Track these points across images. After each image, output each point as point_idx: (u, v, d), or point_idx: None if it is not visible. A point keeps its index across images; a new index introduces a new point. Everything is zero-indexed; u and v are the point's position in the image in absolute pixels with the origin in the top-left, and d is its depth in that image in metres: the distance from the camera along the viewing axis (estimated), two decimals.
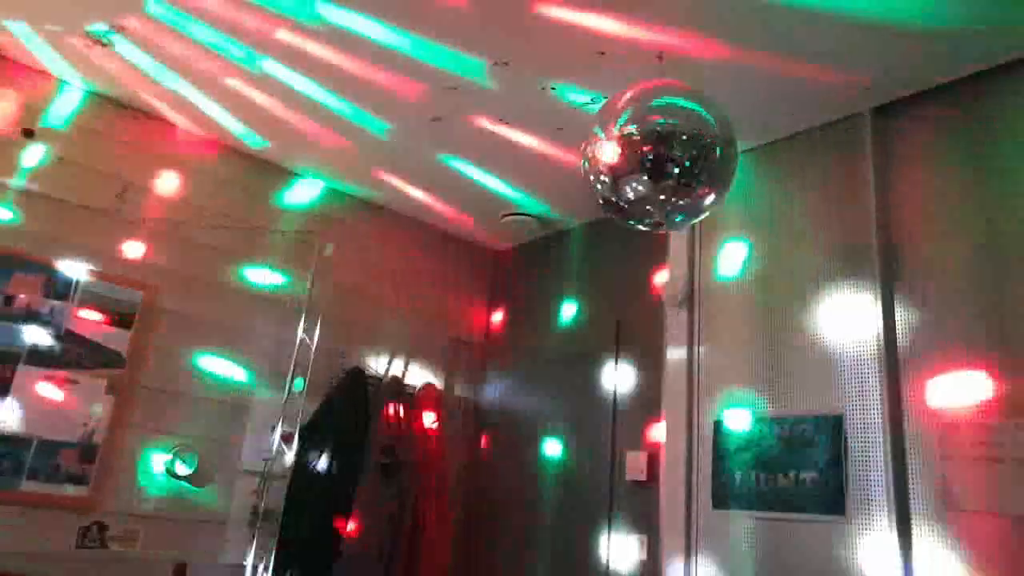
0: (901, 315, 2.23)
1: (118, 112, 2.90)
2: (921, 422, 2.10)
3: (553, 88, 2.53)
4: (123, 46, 2.52)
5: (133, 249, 2.84)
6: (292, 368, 3.10)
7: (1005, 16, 2.00)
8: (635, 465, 2.87)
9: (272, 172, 3.30)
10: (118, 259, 2.80)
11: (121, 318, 2.76)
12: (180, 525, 2.77)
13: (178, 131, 3.05)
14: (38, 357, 2.56)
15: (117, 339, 2.73)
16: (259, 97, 2.77)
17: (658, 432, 2.81)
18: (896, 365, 2.20)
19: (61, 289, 2.65)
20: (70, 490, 2.55)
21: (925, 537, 2.01)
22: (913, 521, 2.04)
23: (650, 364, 2.98)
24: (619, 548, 2.85)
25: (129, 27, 2.42)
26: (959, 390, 2.05)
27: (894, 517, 2.06)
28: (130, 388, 2.74)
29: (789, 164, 2.68)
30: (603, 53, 2.32)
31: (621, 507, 2.91)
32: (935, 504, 2.01)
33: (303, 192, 3.38)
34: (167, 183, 2.98)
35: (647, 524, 2.78)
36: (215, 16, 2.32)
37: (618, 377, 3.11)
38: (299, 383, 3.11)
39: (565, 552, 3.07)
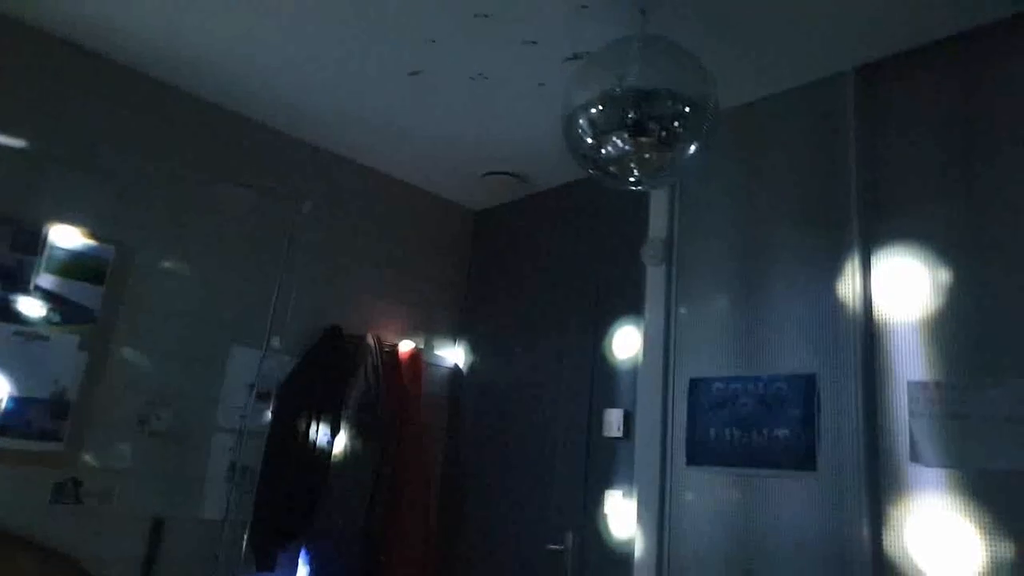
0: (878, 275, 2.26)
1: (85, 59, 2.80)
2: (892, 381, 2.14)
3: (534, 42, 2.49)
4: None
5: (104, 203, 2.78)
6: (269, 326, 3.08)
7: None
8: (612, 422, 2.91)
9: (249, 127, 3.22)
10: (88, 213, 2.73)
11: (93, 273, 2.71)
12: (157, 481, 2.77)
13: (149, 82, 2.96)
14: (6, 313, 2.51)
15: (89, 295, 2.69)
16: (235, 50, 2.69)
17: (634, 390, 2.84)
18: (871, 325, 2.23)
19: (28, 243, 2.58)
20: (43, 446, 2.53)
21: (893, 491, 2.06)
22: (881, 476, 2.09)
23: (630, 323, 3.00)
24: (595, 503, 2.90)
25: None
26: (929, 350, 2.09)
27: (863, 473, 2.11)
28: (103, 344, 2.70)
29: (770, 123, 2.67)
30: (585, 7, 2.28)
31: (598, 463, 2.95)
32: (903, 460, 2.06)
33: (280, 148, 3.31)
34: (139, 135, 2.90)
35: (623, 480, 2.82)
36: None
37: (596, 336, 3.13)
38: (276, 341, 3.09)
39: (544, 506, 3.11)
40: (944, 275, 2.12)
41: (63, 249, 2.65)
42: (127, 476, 2.70)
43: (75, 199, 2.71)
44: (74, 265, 2.67)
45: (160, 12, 2.51)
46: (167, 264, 2.91)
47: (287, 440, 3.02)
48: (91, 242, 2.72)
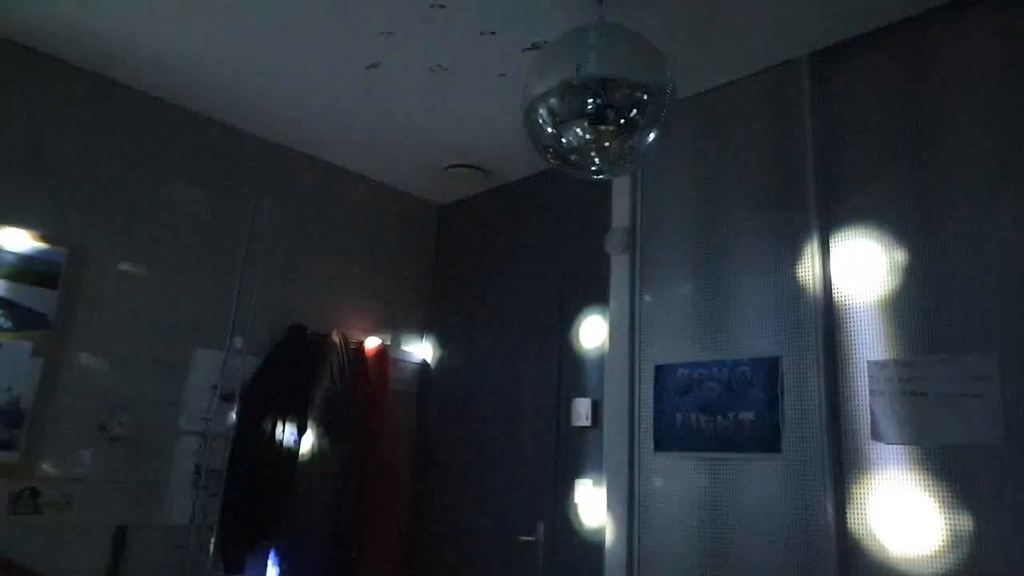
0: (837, 257, 2.29)
1: (31, 58, 2.72)
2: (852, 361, 2.18)
3: (493, 32, 2.47)
4: None
5: (55, 205, 2.70)
6: (231, 326, 3.03)
7: None
8: (580, 412, 2.92)
9: (205, 125, 3.16)
10: (38, 216, 2.65)
11: (45, 277, 2.63)
12: (119, 488, 2.71)
13: (98, 80, 2.88)
14: None
15: (41, 300, 2.61)
16: (182, 47, 2.63)
17: (602, 379, 2.85)
18: (832, 306, 2.26)
19: None
20: None
21: (855, 470, 2.10)
22: (844, 455, 2.13)
23: (596, 312, 3.01)
24: (564, 492, 2.91)
25: None
26: (887, 329, 2.13)
27: (827, 453, 2.14)
28: (58, 350, 2.62)
29: (728, 110, 2.69)
30: None
31: (567, 453, 2.96)
32: (865, 439, 2.10)
33: (237, 146, 3.25)
34: (91, 136, 2.82)
35: (592, 469, 2.83)
36: None
37: (563, 326, 3.13)
38: (238, 341, 3.04)
39: (514, 498, 3.11)
40: (899, 254, 2.16)
41: (12, 253, 2.57)
42: (87, 484, 2.63)
43: (24, 201, 2.63)
44: (25, 269, 2.59)
45: (107, 9, 2.44)
46: (123, 266, 2.84)
47: (253, 441, 2.98)
48: (42, 245, 2.64)
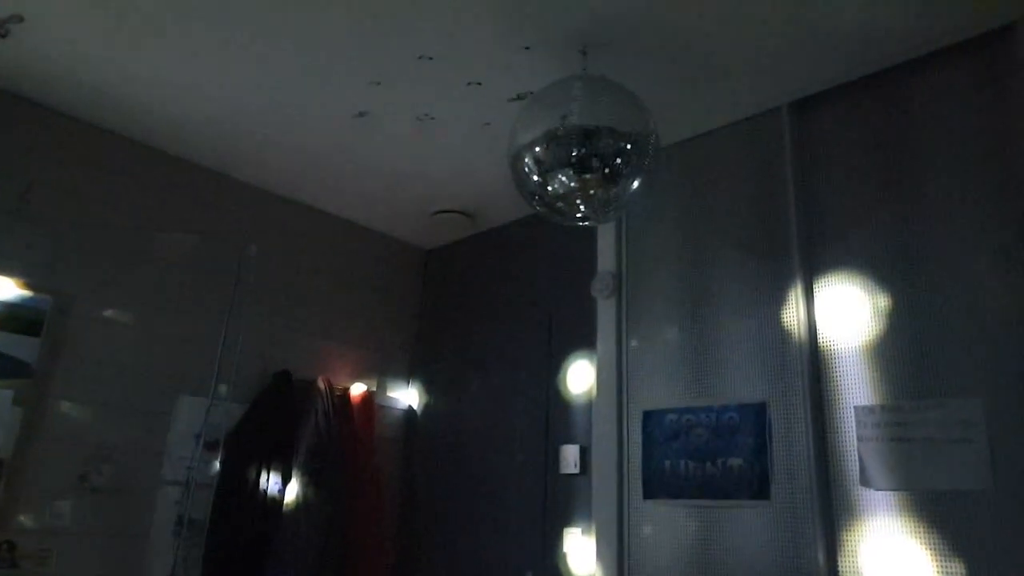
0: (821, 302, 2.31)
1: (19, 105, 2.74)
2: (839, 406, 2.18)
3: (479, 83, 2.52)
4: (26, 35, 2.38)
5: (40, 253, 2.69)
6: (216, 373, 3.00)
7: (922, 12, 2.10)
8: (568, 459, 2.89)
9: (191, 172, 3.18)
10: (23, 263, 2.64)
11: (28, 325, 2.61)
12: (98, 540, 2.64)
13: (88, 129, 2.90)
14: None
15: (24, 348, 2.58)
16: (170, 94, 2.66)
17: (590, 425, 2.84)
18: (817, 353, 2.27)
19: None
20: None
21: (845, 516, 2.09)
22: (834, 501, 2.12)
23: (583, 357, 3.00)
24: (554, 541, 2.86)
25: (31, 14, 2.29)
26: (873, 374, 2.13)
27: (816, 499, 2.13)
28: (40, 399, 2.59)
29: (711, 157, 2.74)
30: (528, 48, 2.32)
31: (556, 501, 2.92)
32: (854, 485, 2.09)
33: (223, 192, 3.27)
34: (77, 183, 2.83)
35: (581, 517, 2.80)
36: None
37: (550, 371, 3.12)
38: (223, 389, 3.01)
39: (503, 546, 3.06)
40: (882, 299, 2.18)
41: None
42: (66, 536, 2.57)
43: (9, 248, 2.62)
44: (8, 317, 2.57)
45: (97, 57, 2.48)
46: (108, 313, 2.82)
47: (237, 490, 2.92)
48: (26, 292, 2.63)
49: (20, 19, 2.29)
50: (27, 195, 2.68)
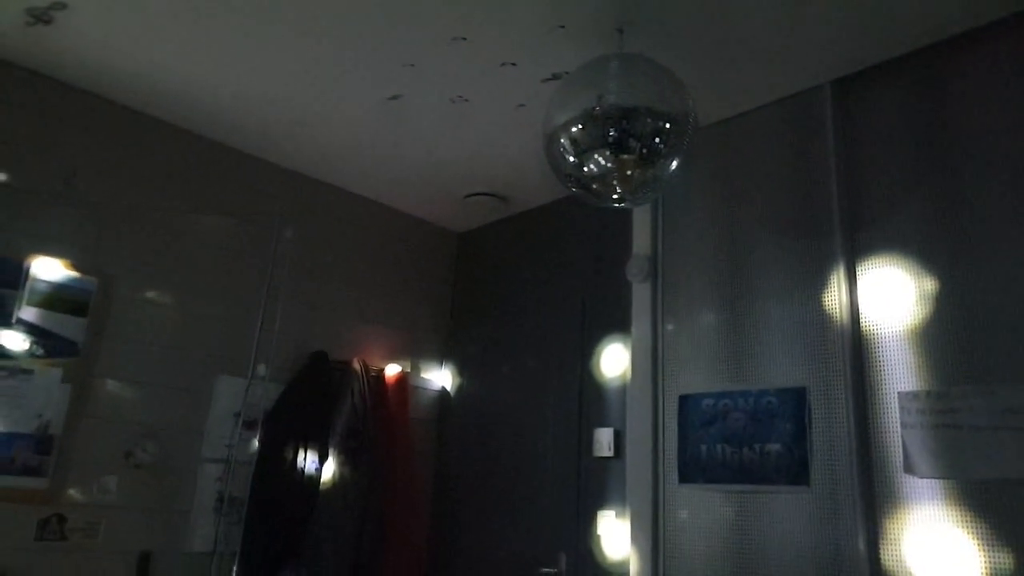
0: (864, 286, 2.25)
1: (64, 92, 2.79)
2: (882, 392, 2.13)
3: (514, 64, 2.49)
4: (69, 22, 2.42)
5: (86, 235, 2.76)
6: (254, 353, 3.05)
7: None
8: (602, 441, 2.88)
9: (229, 155, 3.22)
10: (70, 245, 2.71)
11: (76, 305, 2.68)
12: (143, 514, 2.72)
13: (128, 113, 2.95)
14: None
15: (72, 327, 2.65)
16: (208, 80, 2.69)
17: (624, 408, 2.82)
18: (859, 337, 2.22)
19: (11, 276, 2.55)
20: (27, 483, 2.48)
21: (887, 504, 2.04)
22: (876, 489, 2.07)
23: (617, 341, 2.98)
24: (587, 523, 2.86)
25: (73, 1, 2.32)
26: (918, 359, 2.08)
27: (857, 486, 2.09)
28: (87, 377, 2.66)
29: (750, 138, 2.68)
30: (563, 27, 2.28)
31: (589, 484, 2.92)
32: (897, 472, 2.04)
33: (260, 175, 3.30)
34: (118, 167, 2.88)
35: (615, 500, 2.79)
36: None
37: (584, 354, 3.11)
38: (261, 369, 3.06)
39: (536, 528, 3.07)
40: (928, 283, 2.12)
41: (45, 281, 2.62)
42: (113, 510, 2.65)
43: (57, 231, 2.69)
44: (57, 297, 2.64)
45: (137, 44, 2.51)
46: (150, 294, 2.88)
47: (275, 469, 2.98)
48: (73, 274, 2.69)
49: (63, 6, 2.33)
50: (72, 179, 2.75)
